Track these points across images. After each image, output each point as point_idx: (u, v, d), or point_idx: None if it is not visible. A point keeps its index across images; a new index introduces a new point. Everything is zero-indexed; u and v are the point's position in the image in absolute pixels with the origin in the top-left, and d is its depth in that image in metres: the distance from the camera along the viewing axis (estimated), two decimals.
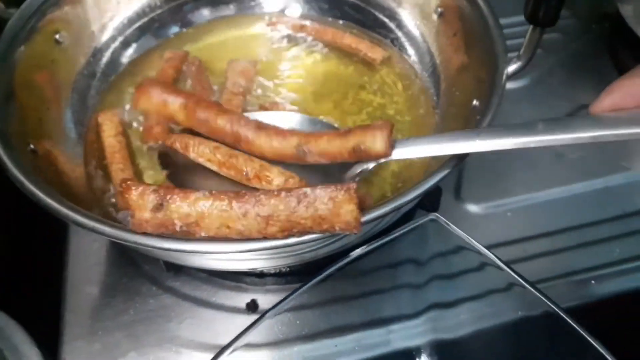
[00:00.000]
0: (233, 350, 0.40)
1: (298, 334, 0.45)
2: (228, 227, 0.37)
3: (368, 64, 0.64)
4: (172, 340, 0.50)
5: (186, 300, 0.53)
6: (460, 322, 0.46)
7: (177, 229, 0.37)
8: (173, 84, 0.61)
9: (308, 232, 0.37)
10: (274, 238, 0.37)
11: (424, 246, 0.46)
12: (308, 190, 0.37)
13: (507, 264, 0.42)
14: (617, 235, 0.57)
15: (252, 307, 0.52)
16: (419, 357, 0.47)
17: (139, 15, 0.65)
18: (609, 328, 0.56)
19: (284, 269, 0.53)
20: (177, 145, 0.50)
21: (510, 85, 0.70)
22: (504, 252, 0.56)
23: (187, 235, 0.37)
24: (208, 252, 0.37)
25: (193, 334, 0.51)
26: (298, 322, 0.45)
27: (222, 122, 0.48)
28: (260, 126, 0.48)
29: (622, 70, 0.72)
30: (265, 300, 0.53)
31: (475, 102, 0.48)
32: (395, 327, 0.47)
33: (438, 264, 0.46)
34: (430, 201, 0.57)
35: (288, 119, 0.54)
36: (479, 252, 0.43)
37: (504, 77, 0.47)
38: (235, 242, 0.37)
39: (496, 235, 0.57)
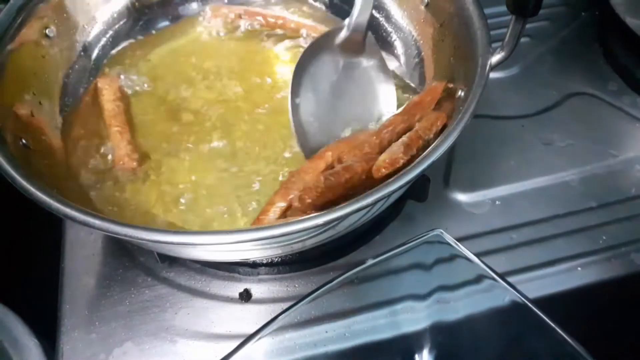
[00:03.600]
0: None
1: (291, 322, 0.46)
2: None
3: None
4: (168, 330, 0.51)
5: (181, 291, 0.54)
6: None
7: None
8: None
9: None
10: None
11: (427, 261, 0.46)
12: None
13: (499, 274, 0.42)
14: (604, 223, 0.58)
15: (245, 296, 0.53)
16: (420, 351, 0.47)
17: (129, 9, 0.65)
18: (594, 314, 0.57)
19: (275, 259, 0.55)
20: None
21: (499, 74, 0.71)
22: (492, 240, 0.57)
23: None
24: (195, 244, 0.38)
25: (188, 323, 0.52)
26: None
27: None
28: None
29: (611, 58, 0.73)
30: (258, 289, 0.54)
31: (460, 93, 0.49)
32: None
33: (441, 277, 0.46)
34: (418, 191, 0.58)
35: None
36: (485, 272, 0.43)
37: (487, 68, 0.47)
38: (222, 234, 0.38)
39: (484, 224, 0.58)
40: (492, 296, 0.42)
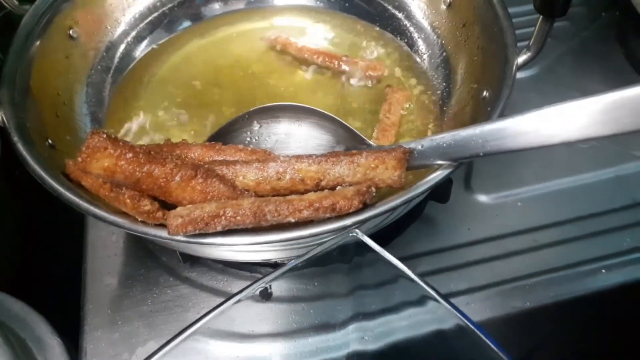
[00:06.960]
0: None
1: None
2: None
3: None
4: None
5: (203, 291, 0.54)
6: (380, 335, 0.44)
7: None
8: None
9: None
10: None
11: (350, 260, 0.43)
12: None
13: (422, 278, 0.39)
14: (628, 225, 0.57)
15: (265, 295, 0.53)
16: None
17: (150, 9, 0.66)
18: (619, 316, 0.57)
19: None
20: None
21: (518, 74, 0.69)
22: (515, 242, 0.56)
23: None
24: (222, 245, 0.38)
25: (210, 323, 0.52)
26: None
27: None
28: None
29: (631, 58, 0.72)
30: (278, 288, 0.54)
31: (485, 93, 0.49)
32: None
33: (361, 278, 0.44)
34: (440, 192, 0.58)
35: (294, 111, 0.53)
36: (400, 271, 0.39)
37: (514, 68, 0.47)
38: (248, 235, 0.38)
39: (507, 225, 0.58)
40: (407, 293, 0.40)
